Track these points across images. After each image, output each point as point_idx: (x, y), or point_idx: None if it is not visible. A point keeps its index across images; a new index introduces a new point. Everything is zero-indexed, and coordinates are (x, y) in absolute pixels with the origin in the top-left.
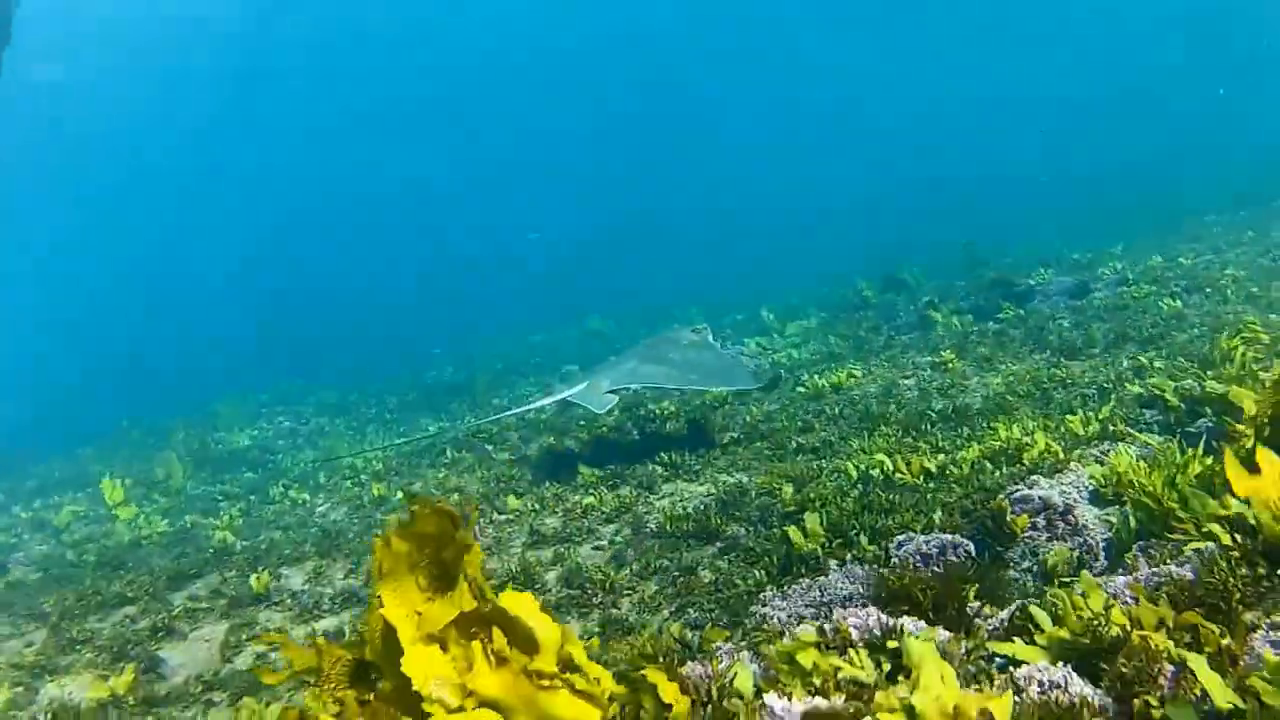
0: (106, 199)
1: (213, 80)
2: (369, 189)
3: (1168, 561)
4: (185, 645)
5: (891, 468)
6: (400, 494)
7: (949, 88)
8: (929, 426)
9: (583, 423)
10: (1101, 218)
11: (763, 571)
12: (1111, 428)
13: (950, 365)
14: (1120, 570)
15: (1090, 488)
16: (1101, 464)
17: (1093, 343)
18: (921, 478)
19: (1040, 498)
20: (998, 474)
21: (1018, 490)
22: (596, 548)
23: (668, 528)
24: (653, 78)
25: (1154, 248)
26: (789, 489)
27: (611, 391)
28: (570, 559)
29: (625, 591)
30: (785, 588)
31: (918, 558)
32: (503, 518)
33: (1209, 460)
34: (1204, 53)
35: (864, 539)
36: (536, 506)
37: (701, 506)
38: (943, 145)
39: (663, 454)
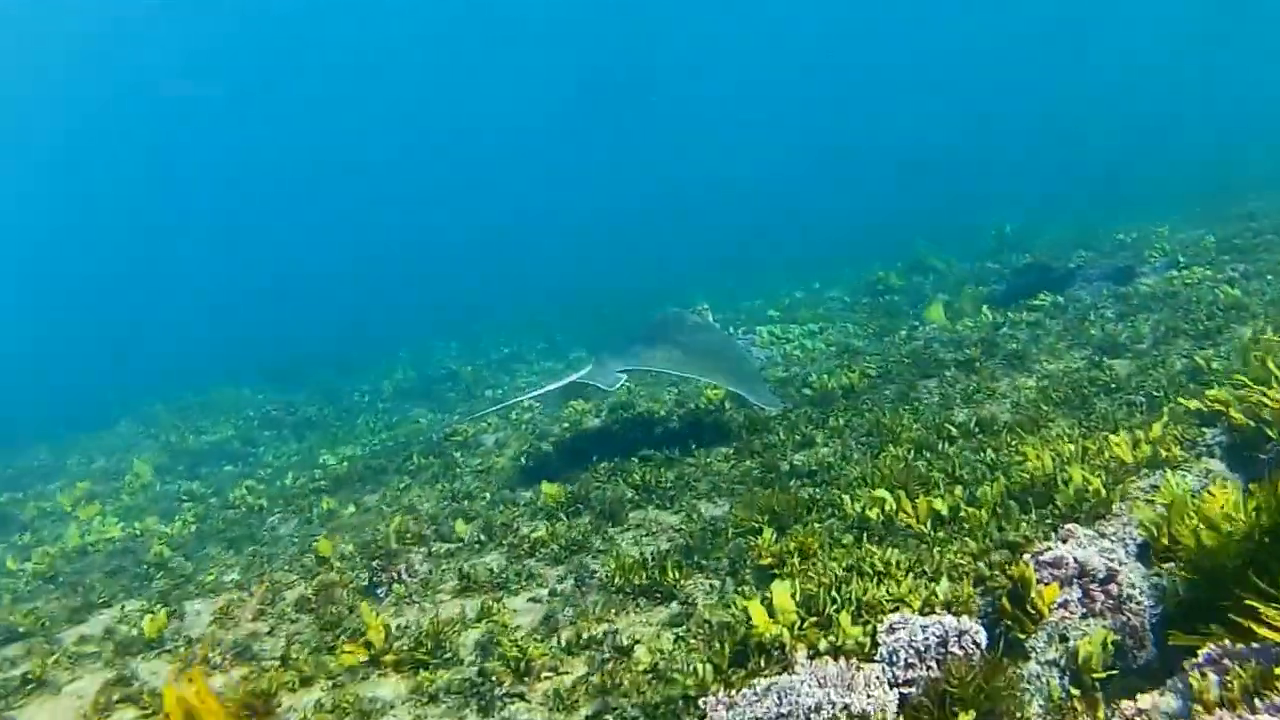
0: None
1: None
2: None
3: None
4: (54, 702)
5: (894, 507)
6: (349, 508)
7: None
8: (946, 444)
9: (567, 425)
10: (1144, 195)
11: (709, 665)
12: (1164, 452)
13: (978, 364)
14: (1177, 682)
15: (1138, 540)
16: (1152, 502)
17: (1139, 337)
18: (929, 523)
19: (1076, 560)
20: (1024, 523)
21: (1047, 549)
22: (533, 599)
23: (616, 579)
24: (654, 50)
25: (1205, 227)
26: (769, 533)
27: (622, 371)
28: (498, 617)
29: (542, 675)
30: (736, 690)
31: (910, 652)
32: (446, 547)
33: None
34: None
35: (846, 618)
36: (482, 537)
37: (662, 552)
38: (967, 122)
39: (637, 472)
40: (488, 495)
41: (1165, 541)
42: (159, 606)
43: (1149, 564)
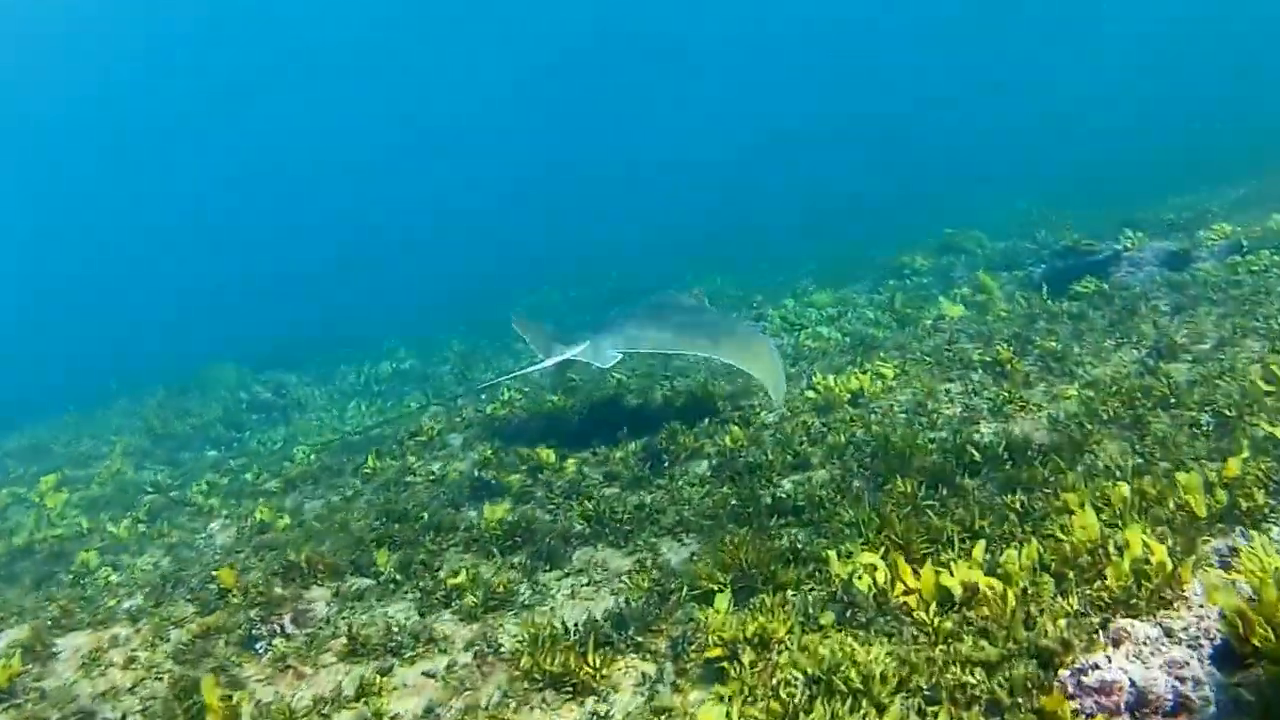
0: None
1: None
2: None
3: None
4: None
5: (890, 578)
6: (283, 520)
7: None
8: (965, 478)
9: (542, 421)
10: (1191, 167)
11: None
12: (1244, 501)
13: (1010, 365)
14: None
15: (1220, 637)
16: (1231, 576)
17: (1200, 336)
18: (933, 606)
19: (1133, 684)
20: (1061, 617)
21: (1092, 666)
22: (428, 673)
23: (525, 659)
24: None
25: (1270, 204)
26: (725, 604)
27: (617, 351)
28: (377, 701)
29: None
30: None
31: None
32: (358, 585)
33: None
34: None
35: None
36: (398, 576)
37: (592, 621)
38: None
39: (589, 500)
40: (425, 516)
41: (1255, 641)
42: (31, 643)
43: (1230, 669)
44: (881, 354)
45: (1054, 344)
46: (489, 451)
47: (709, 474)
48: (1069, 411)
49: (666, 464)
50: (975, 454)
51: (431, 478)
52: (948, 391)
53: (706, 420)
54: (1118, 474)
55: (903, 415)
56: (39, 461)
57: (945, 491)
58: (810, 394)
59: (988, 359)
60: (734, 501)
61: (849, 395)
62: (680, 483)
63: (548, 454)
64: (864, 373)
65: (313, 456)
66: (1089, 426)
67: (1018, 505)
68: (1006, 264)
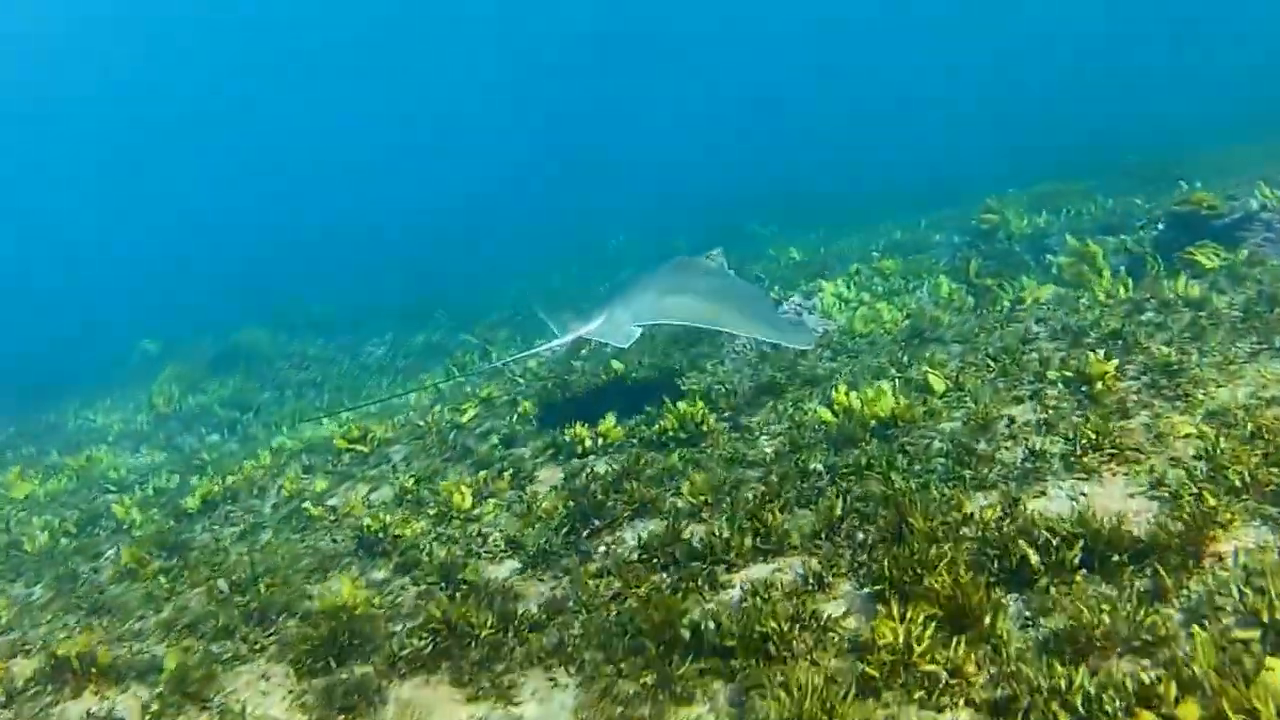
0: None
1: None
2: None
3: None
4: None
5: None
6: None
7: None
8: (1010, 593)
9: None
10: None
11: None
12: None
13: (1103, 381)
14: None
15: None
16: None
17: None
18: None
19: None
20: None
21: None
22: None
23: None
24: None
25: None
26: None
27: (637, 326)
28: None
29: None
30: None
31: None
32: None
33: None
34: None
35: None
36: (175, 699)
37: None
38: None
39: (456, 608)
40: (275, 593)
41: None
42: None
43: None
44: (938, 350)
45: (1164, 348)
46: (411, 487)
47: (639, 553)
48: (1184, 463)
49: (597, 526)
50: (1031, 554)
51: (333, 519)
52: (1011, 422)
53: (677, 451)
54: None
55: (942, 461)
56: (52, 442)
57: (974, 629)
58: (827, 415)
59: (1071, 370)
60: (644, 623)
61: (880, 422)
62: (601, 563)
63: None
64: (906, 383)
65: (263, 460)
66: (1214, 502)
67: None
68: (1111, 226)
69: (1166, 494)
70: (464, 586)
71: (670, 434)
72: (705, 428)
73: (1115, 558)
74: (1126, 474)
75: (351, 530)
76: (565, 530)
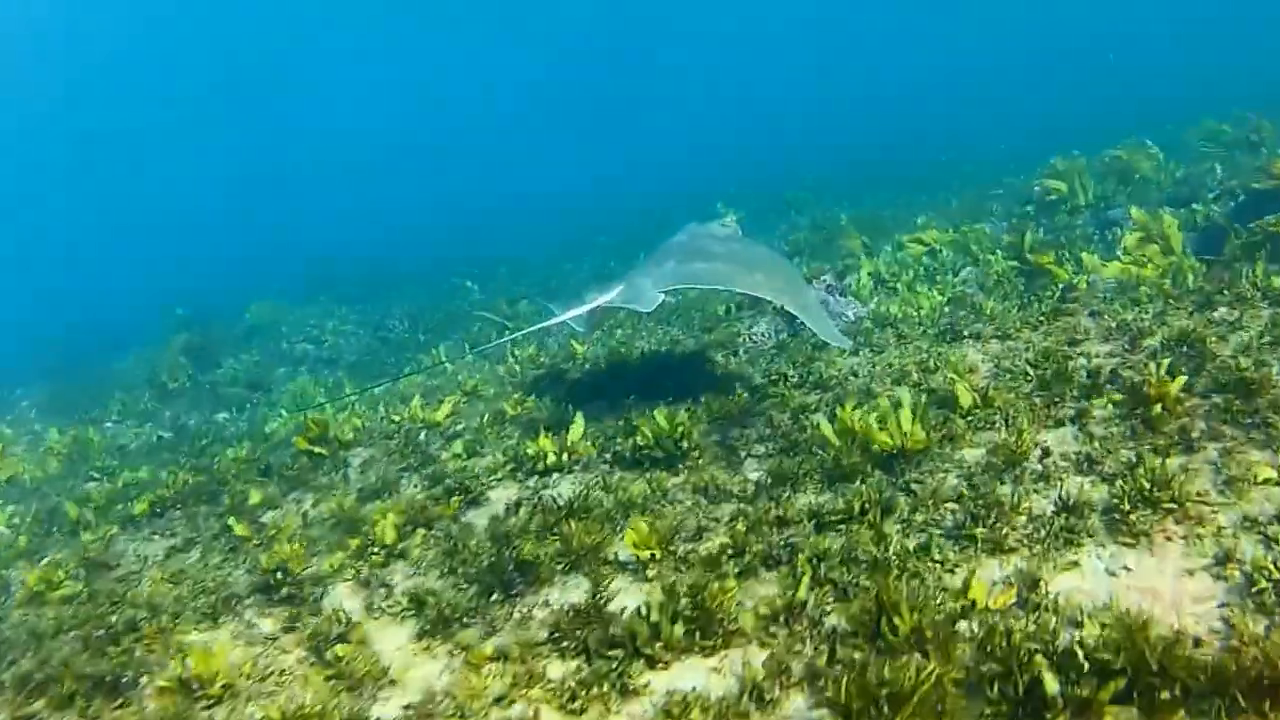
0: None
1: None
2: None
3: None
4: None
5: None
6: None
7: None
8: None
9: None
10: None
11: None
12: None
13: (1163, 403)
14: None
15: None
16: None
17: None
18: None
19: None
20: None
21: None
22: None
23: None
24: None
25: None
26: None
27: (662, 290)
28: None
29: None
30: None
31: None
32: None
33: None
34: None
35: None
36: None
37: None
38: None
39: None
40: (148, 646)
41: None
42: None
43: None
44: (972, 349)
45: (1239, 357)
46: (367, 503)
47: (550, 631)
48: (1260, 539)
49: (518, 588)
50: (1048, 679)
51: (272, 539)
52: (1045, 454)
53: (646, 475)
54: None
55: (953, 510)
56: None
57: None
58: (828, 431)
59: (1125, 386)
60: None
61: (881, 455)
62: (504, 639)
63: None
64: (929, 393)
65: (238, 451)
66: None
67: None
68: (1182, 198)
69: (1238, 574)
70: (340, 662)
71: (645, 451)
72: (686, 444)
73: (1164, 693)
74: (1185, 539)
75: (270, 559)
76: (477, 589)
